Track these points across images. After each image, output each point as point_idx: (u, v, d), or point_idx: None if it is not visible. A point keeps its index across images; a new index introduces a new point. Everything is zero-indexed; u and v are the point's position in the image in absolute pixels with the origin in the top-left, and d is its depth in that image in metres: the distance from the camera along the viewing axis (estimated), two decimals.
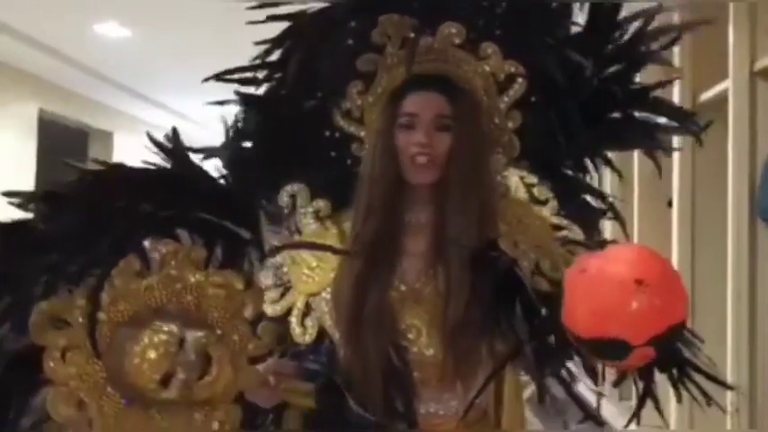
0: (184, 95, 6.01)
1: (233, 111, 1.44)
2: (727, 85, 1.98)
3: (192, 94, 1.49)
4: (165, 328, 1.24)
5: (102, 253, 1.26)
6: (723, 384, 1.25)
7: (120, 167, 1.33)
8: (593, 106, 1.36)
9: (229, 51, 1.48)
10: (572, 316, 1.07)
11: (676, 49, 2.14)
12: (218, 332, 1.26)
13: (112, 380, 1.25)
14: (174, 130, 1.38)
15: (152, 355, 1.22)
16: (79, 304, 1.24)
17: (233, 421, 1.28)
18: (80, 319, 1.24)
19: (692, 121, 1.41)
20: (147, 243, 1.29)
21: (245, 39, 1.35)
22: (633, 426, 1.39)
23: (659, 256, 1.09)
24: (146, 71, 5.57)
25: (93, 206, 1.29)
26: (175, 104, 6.65)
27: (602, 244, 1.36)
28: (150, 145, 1.37)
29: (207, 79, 1.38)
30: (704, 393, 1.21)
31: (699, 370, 1.19)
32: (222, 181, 1.39)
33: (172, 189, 1.35)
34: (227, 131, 1.42)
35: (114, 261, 1.25)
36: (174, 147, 1.37)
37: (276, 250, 1.39)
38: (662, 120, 1.38)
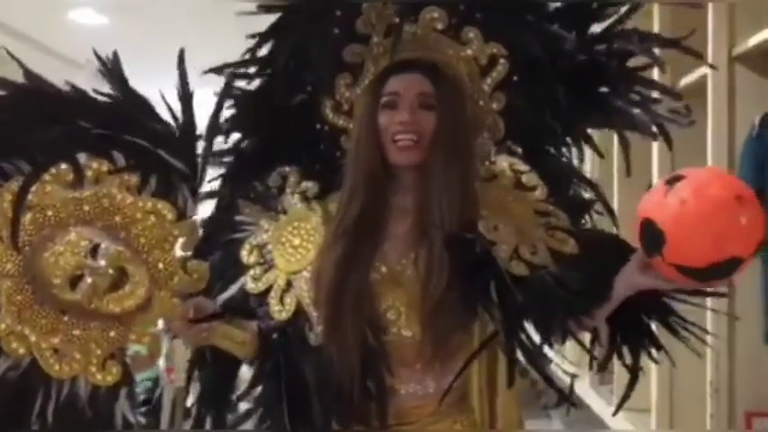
0: (162, 84, 5.95)
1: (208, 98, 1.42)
2: (706, 70, 1.99)
3: (171, 82, 1.47)
4: (84, 234, 1.26)
5: (34, 153, 1.26)
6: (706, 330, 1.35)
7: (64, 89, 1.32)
8: (579, 81, 1.36)
9: (208, 39, 1.47)
10: (685, 250, 1.08)
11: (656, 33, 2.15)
12: (144, 257, 1.27)
13: (28, 277, 1.26)
14: (115, 54, 1.36)
15: (63, 254, 1.24)
16: (6, 198, 1.25)
17: (151, 350, 1.30)
18: (9, 213, 1.25)
19: (677, 101, 1.37)
20: (82, 158, 1.29)
21: (224, 26, 1.34)
22: (615, 408, 1.41)
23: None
24: (123, 60, 5.49)
25: (29, 111, 1.29)
26: (153, 93, 6.58)
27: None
28: None
29: (205, 72, 1.39)
30: (694, 333, 1.31)
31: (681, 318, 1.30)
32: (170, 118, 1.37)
33: (110, 112, 1.34)
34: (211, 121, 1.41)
35: (46, 166, 1.26)
36: (113, 70, 1.36)
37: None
38: (651, 101, 1.37)
